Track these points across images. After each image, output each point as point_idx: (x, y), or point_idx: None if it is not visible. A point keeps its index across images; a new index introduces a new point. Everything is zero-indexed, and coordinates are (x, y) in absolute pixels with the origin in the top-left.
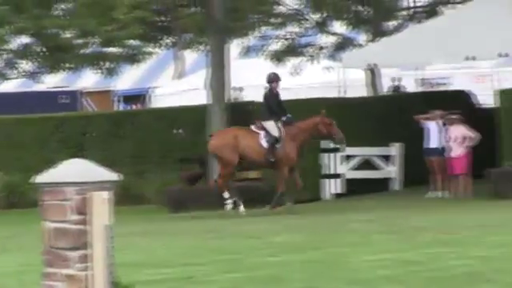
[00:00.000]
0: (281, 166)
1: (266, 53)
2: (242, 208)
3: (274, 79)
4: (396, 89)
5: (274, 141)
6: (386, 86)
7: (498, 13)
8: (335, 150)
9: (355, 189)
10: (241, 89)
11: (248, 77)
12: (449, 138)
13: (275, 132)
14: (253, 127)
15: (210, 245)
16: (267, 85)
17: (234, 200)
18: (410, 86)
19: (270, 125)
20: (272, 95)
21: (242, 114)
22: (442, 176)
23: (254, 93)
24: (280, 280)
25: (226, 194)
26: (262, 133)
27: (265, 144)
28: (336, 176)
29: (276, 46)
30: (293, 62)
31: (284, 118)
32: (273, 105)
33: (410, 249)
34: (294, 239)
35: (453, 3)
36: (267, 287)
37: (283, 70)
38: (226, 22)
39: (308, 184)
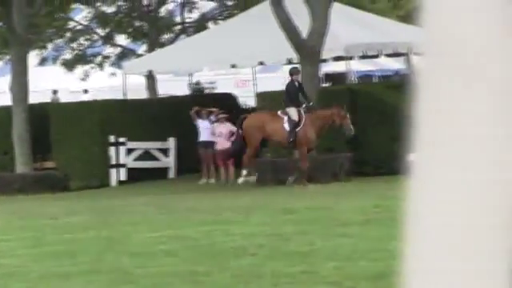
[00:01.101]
0: (300, 146)
1: (59, 61)
2: (253, 178)
3: (294, 72)
4: (197, 89)
5: (294, 124)
6: (161, 89)
7: (256, 28)
8: (121, 144)
9: (138, 177)
10: (55, 92)
11: (45, 82)
12: (218, 133)
13: (295, 117)
14: (279, 112)
15: (15, 224)
16: (289, 77)
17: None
18: (184, 89)
19: (292, 111)
20: (293, 86)
21: (40, 115)
22: (211, 165)
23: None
24: (74, 254)
25: (245, 171)
26: (285, 117)
27: (287, 127)
28: (121, 166)
29: (68, 55)
30: (82, 68)
31: (305, 105)
32: (293, 94)
33: (185, 227)
34: (86, 219)
35: (217, 19)
36: (63, 260)
37: (74, 76)
38: (26, 36)
39: (98, 172)
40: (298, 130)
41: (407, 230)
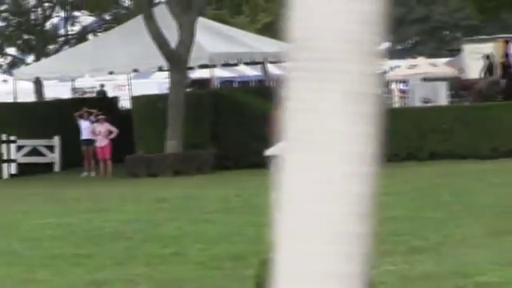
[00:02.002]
0: None
1: None
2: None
3: None
4: (101, 92)
5: None
6: (47, 93)
7: (131, 39)
8: (11, 142)
9: (27, 171)
10: None
11: None
12: (98, 132)
13: None
14: None
15: None
16: None
17: None
18: (67, 93)
19: None
20: None
21: None
22: (92, 160)
23: None
24: None
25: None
26: None
27: None
28: (12, 161)
29: None
30: None
31: None
32: None
33: (69, 215)
34: None
35: (97, 32)
36: None
37: None
38: None
39: None
40: None
41: (274, 215)
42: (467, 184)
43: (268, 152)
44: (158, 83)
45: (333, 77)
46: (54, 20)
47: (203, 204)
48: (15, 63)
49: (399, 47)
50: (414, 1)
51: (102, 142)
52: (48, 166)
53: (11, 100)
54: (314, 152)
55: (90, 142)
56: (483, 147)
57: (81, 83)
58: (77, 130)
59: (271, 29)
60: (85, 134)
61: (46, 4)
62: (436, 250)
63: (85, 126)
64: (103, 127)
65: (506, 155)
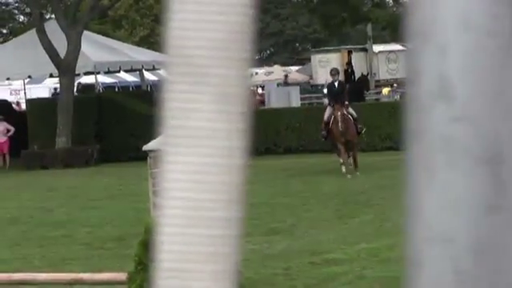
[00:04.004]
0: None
1: None
2: None
3: (335, 73)
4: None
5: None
6: None
7: (26, 50)
8: None
9: None
10: None
11: None
12: None
13: (326, 114)
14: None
15: None
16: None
17: None
18: None
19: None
20: (332, 86)
21: None
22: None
23: None
24: None
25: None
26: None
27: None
28: None
29: None
30: None
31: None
32: (332, 93)
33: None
34: None
35: None
36: None
37: None
38: None
39: None
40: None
41: (158, 202)
42: (316, 175)
43: (147, 147)
44: (49, 88)
45: (204, 80)
46: None
47: (89, 192)
48: None
49: (257, 57)
50: (269, 17)
51: (0, 139)
52: None
53: None
54: (189, 146)
55: None
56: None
57: None
58: None
59: (147, 41)
60: None
61: None
62: (291, 231)
63: None
64: (2, 126)
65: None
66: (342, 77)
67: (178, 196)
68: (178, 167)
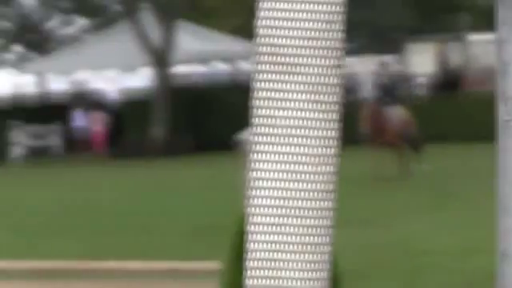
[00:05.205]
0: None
1: None
2: None
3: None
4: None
5: None
6: None
7: (119, 41)
8: None
9: None
10: None
11: None
12: None
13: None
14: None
15: None
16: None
17: None
18: None
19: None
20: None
21: None
22: None
23: None
24: None
25: None
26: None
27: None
28: None
29: None
30: None
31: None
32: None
33: None
34: None
35: None
36: None
37: None
38: None
39: None
40: None
41: (249, 193)
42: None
43: (240, 137)
44: (143, 78)
45: (293, 70)
46: None
47: (184, 182)
48: None
49: (349, 46)
50: (360, 5)
51: (97, 129)
52: None
53: None
54: (281, 136)
55: None
56: None
57: None
58: None
59: (240, 31)
60: None
61: None
62: (384, 222)
63: None
64: (98, 115)
65: None
66: (437, 67)
67: (271, 186)
68: (271, 157)
